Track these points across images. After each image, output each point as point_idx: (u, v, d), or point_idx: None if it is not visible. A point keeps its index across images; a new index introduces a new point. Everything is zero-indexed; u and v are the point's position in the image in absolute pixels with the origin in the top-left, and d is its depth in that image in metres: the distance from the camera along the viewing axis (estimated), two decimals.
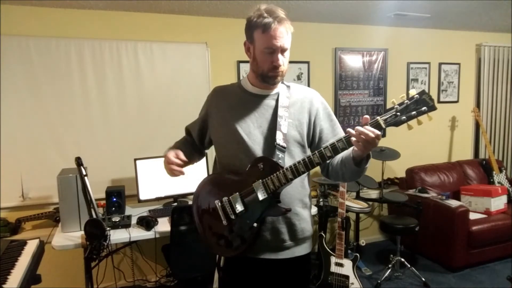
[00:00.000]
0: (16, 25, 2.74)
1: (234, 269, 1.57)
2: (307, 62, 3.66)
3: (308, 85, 3.67)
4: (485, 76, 4.39)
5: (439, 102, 4.31)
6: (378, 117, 1.24)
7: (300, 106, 1.52)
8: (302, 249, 1.54)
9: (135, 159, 2.88)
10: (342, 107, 3.85)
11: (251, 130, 1.47)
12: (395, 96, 4.34)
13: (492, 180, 4.05)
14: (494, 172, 4.06)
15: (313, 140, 1.54)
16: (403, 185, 3.97)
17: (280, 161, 1.40)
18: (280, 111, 1.47)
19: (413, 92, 1.22)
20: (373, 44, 3.90)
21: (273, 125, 1.46)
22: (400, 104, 1.22)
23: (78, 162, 2.34)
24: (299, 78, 3.64)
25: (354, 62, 3.85)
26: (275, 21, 1.37)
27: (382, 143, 3.83)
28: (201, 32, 3.24)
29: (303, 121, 1.51)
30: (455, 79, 4.37)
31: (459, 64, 4.36)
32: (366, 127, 1.24)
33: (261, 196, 1.37)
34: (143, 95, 3.09)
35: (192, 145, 1.70)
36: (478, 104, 4.45)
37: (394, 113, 1.23)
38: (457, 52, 4.33)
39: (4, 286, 1.48)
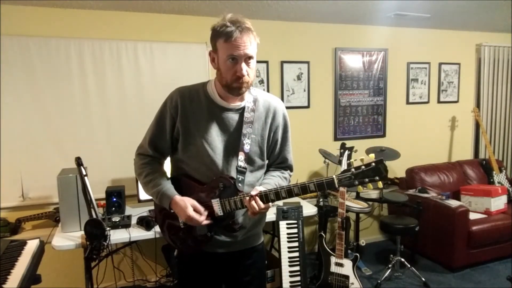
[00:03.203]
0: (16, 25, 2.74)
1: (187, 259, 1.61)
2: (307, 62, 3.65)
3: (308, 85, 3.67)
4: (485, 76, 4.38)
5: (439, 102, 4.32)
6: (334, 176, 1.31)
7: (264, 122, 1.53)
8: (254, 240, 1.62)
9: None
10: (342, 107, 3.85)
11: (216, 144, 1.46)
12: (395, 96, 4.33)
13: (492, 180, 4.05)
14: (494, 172, 4.06)
15: (268, 151, 1.58)
16: (403, 185, 3.97)
17: (239, 184, 1.44)
18: (244, 129, 1.47)
19: (372, 157, 1.30)
20: (373, 44, 3.90)
21: (236, 144, 1.47)
22: (356, 168, 1.30)
23: (78, 162, 2.34)
24: (299, 78, 3.64)
25: (354, 62, 3.85)
26: (238, 30, 1.34)
27: (382, 143, 3.84)
28: (201, 32, 3.24)
29: (265, 137, 1.53)
30: (455, 79, 4.37)
31: (459, 64, 4.36)
32: (258, 201, 1.35)
33: (217, 213, 1.44)
34: (143, 95, 3.09)
35: (162, 166, 1.61)
36: (478, 104, 4.45)
37: (349, 175, 1.31)
38: (457, 52, 4.33)
39: (4, 286, 1.48)
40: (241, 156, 1.46)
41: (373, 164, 1.28)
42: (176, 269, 1.68)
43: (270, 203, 1.40)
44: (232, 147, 1.47)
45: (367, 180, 1.29)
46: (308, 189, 1.34)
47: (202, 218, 1.42)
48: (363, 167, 1.29)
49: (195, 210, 1.42)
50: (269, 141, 1.55)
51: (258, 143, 1.51)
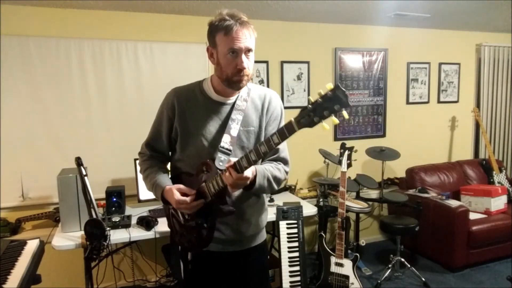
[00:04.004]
0: (16, 25, 2.74)
1: (198, 261, 1.62)
2: (307, 62, 3.65)
3: (308, 85, 3.67)
4: (485, 76, 4.39)
5: (439, 102, 4.32)
6: (292, 119, 1.16)
7: (261, 112, 1.53)
8: (258, 239, 1.64)
9: (135, 159, 2.87)
10: None
11: (214, 139, 1.47)
12: (395, 96, 4.31)
13: (492, 180, 4.05)
14: (494, 172, 4.06)
15: None
16: (403, 185, 3.97)
17: (220, 163, 1.42)
18: (234, 114, 1.47)
19: (329, 87, 1.09)
20: (373, 44, 3.90)
21: (223, 128, 1.47)
22: (313, 104, 1.12)
23: (78, 162, 2.34)
24: (299, 78, 3.64)
25: (354, 62, 3.85)
26: (238, 23, 1.36)
27: (382, 143, 3.84)
28: (201, 32, 3.21)
29: (263, 127, 1.53)
30: (455, 79, 4.37)
31: (459, 64, 4.36)
32: (231, 172, 1.29)
33: (208, 196, 1.43)
34: (143, 95, 3.09)
35: (164, 163, 1.65)
36: (478, 104, 4.45)
37: (307, 113, 1.12)
38: (457, 52, 4.33)
39: (4, 286, 1.48)
40: (226, 138, 1.45)
41: (330, 92, 1.09)
42: (186, 273, 1.67)
43: (249, 174, 1.33)
44: (220, 131, 1.48)
45: (327, 112, 1.09)
46: (273, 142, 1.23)
47: (190, 198, 1.42)
48: (319, 99, 1.10)
49: (182, 193, 1.43)
50: (265, 129, 1.54)
51: (258, 135, 1.52)
